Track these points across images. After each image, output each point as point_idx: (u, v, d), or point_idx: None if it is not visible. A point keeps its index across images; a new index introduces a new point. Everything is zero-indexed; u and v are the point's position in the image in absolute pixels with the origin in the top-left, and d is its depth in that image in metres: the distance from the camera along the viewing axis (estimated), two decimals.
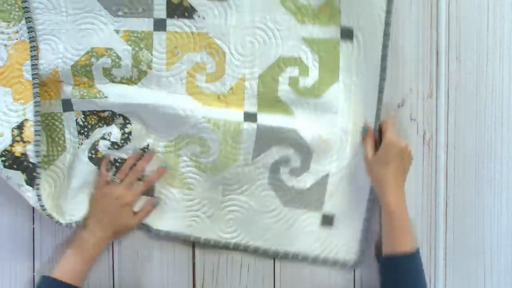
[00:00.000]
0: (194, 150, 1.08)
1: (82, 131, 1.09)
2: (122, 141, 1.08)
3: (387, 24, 1.03)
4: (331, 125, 1.08)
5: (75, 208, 1.08)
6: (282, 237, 1.10)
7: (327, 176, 1.09)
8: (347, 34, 1.06)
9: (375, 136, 1.06)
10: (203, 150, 1.08)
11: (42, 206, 1.03)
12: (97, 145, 1.07)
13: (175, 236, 1.11)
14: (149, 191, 1.10)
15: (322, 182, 1.09)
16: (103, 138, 1.07)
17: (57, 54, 1.04)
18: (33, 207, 1.12)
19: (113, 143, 1.07)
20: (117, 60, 1.05)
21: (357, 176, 1.08)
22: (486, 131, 1.11)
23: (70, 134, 1.09)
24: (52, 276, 1.03)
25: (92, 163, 1.08)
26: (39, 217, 1.13)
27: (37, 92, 1.03)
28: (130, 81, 1.07)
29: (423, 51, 1.11)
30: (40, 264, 1.13)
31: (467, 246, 1.12)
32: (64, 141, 1.09)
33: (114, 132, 1.07)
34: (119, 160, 1.09)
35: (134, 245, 1.13)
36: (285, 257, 1.11)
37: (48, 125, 1.08)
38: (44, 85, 1.06)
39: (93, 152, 1.08)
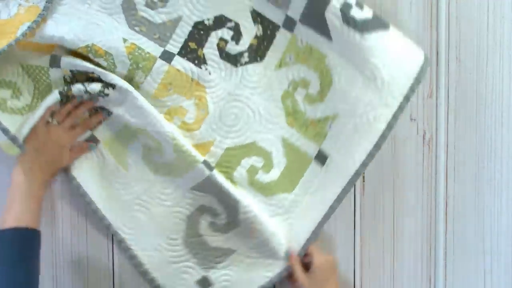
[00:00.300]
0: (149, 144, 1.07)
1: (69, 87, 1.04)
2: (96, 96, 1.04)
3: (364, 165, 1.03)
4: (267, 223, 1.06)
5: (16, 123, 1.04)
6: (162, 265, 1.09)
7: (233, 251, 1.09)
8: (321, 158, 1.06)
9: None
10: (157, 150, 1.07)
11: None
12: (73, 84, 1.04)
13: (81, 194, 1.08)
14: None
15: (226, 252, 1.09)
16: (82, 84, 1.03)
17: (58, 33, 1.01)
18: None
19: (86, 91, 1.03)
20: (112, 67, 1.03)
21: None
22: (486, 131, 1.11)
23: (56, 89, 1.05)
24: (9, 227, 0.96)
25: (60, 96, 1.03)
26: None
27: (11, 44, 0.98)
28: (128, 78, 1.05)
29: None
30: (40, 263, 1.13)
31: (467, 246, 1.12)
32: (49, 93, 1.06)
33: (95, 86, 1.03)
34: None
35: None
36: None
37: (36, 77, 1.06)
38: (36, 44, 1.03)
39: (66, 88, 1.03)
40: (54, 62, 1.05)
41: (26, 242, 0.97)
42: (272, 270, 1.08)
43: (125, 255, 1.09)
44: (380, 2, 1.08)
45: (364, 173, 1.10)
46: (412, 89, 1.01)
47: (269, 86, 1.07)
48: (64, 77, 1.06)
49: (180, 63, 1.05)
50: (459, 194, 1.12)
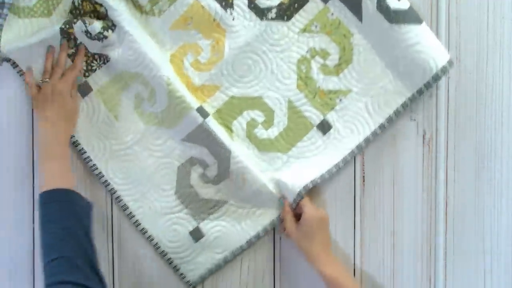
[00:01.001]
0: (141, 93, 1.09)
1: (73, 12, 1.08)
2: (95, 37, 1.07)
3: (366, 141, 1.09)
4: (256, 176, 1.08)
5: (21, 54, 1.06)
6: (153, 217, 1.11)
7: (225, 202, 1.10)
8: (324, 127, 1.10)
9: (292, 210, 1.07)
10: (149, 98, 1.09)
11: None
12: (75, 23, 1.06)
13: (72, 142, 1.10)
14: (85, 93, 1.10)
15: (217, 204, 1.10)
16: (83, 21, 1.06)
17: None
18: (33, 208, 1.12)
19: (86, 31, 1.06)
20: None
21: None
22: (486, 131, 1.11)
23: (63, 6, 1.08)
24: (46, 189, 1.01)
25: (60, 33, 1.06)
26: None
27: None
28: (140, 8, 1.08)
29: None
30: (40, 263, 1.13)
31: (467, 246, 1.12)
32: (54, 8, 1.08)
33: (96, 26, 1.06)
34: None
35: (134, 245, 1.13)
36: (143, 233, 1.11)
37: None
38: None
39: (67, 26, 1.06)
40: None
41: (54, 203, 1.00)
42: (264, 220, 1.11)
43: (118, 206, 1.11)
44: None
45: (364, 173, 1.11)
46: (426, 86, 1.06)
47: (288, 47, 1.10)
48: (73, 1, 1.07)
49: (206, 0, 1.07)
50: (459, 194, 1.12)
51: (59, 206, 1.00)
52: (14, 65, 1.07)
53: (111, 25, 1.06)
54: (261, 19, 1.09)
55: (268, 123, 1.10)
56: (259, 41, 1.09)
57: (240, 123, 1.10)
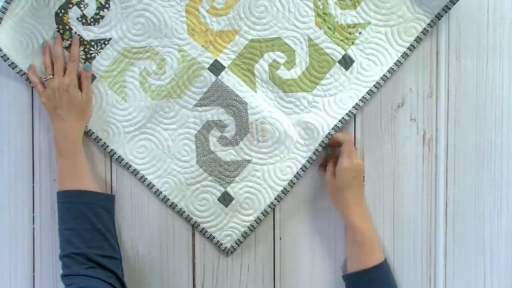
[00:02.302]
0: (148, 67, 1.09)
1: None
2: (91, 20, 1.08)
3: (389, 71, 1.09)
4: (279, 120, 1.09)
5: (6, 35, 1.06)
6: (179, 190, 1.11)
7: (248, 161, 1.10)
8: (346, 62, 1.10)
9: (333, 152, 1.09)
10: (157, 71, 1.09)
11: (2, 7, 1.03)
12: (70, 8, 1.07)
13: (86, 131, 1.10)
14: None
15: (241, 164, 1.10)
16: (78, 4, 1.07)
17: None
18: (33, 208, 1.12)
19: (82, 16, 1.07)
20: None
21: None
22: (486, 131, 1.11)
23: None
24: (64, 189, 1.04)
25: (55, 19, 1.08)
26: (39, 217, 1.13)
27: None
28: None
29: (423, 51, 1.11)
30: (40, 263, 1.13)
31: (467, 246, 1.12)
32: None
33: (91, 6, 1.07)
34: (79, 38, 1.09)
35: (134, 244, 1.13)
36: (173, 208, 1.11)
37: None
38: None
39: (63, 11, 1.08)
40: None
41: (66, 203, 1.04)
42: (289, 174, 1.11)
43: (144, 186, 1.11)
44: None
45: (364, 172, 1.11)
46: (445, 9, 1.06)
47: None
48: None
49: None
50: (459, 194, 1.12)
51: (68, 207, 1.03)
52: (13, 65, 1.07)
53: (106, 3, 1.06)
54: None
55: (290, 63, 1.10)
56: None
57: (262, 66, 1.10)
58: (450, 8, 1.07)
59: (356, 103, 1.09)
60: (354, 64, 1.10)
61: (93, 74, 1.10)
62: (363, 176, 1.10)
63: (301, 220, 1.13)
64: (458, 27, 1.10)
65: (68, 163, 1.05)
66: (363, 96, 1.10)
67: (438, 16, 1.08)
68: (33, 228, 1.13)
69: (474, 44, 1.10)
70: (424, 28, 1.08)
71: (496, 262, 1.13)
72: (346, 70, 1.10)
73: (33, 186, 1.13)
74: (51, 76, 1.07)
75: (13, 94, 1.11)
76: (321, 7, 1.09)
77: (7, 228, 1.13)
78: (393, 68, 1.09)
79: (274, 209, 1.12)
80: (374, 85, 1.10)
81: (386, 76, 1.09)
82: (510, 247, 1.12)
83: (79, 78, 1.08)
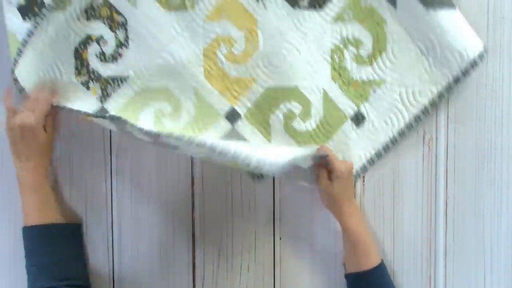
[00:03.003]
0: (163, 109, 1.07)
1: (88, 11, 1.06)
2: (109, 57, 1.07)
3: (400, 134, 1.09)
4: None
5: (24, 67, 1.04)
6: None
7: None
8: (358, 119, 1.08)
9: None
10: (172, 114, 1.07)
11: (23, 39, 1.01)
12: (89, 44, 1.07)
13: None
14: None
15: None
16: (97, 41, 1.07)
17: None
18: None
19: (101, 53, 1.06)
20: None
21: None
22: (486, 131, 1.10)
23: (79, 2, 1.06)
24: (28, 225, 1.03)
25: (73, 54, 1.07)
26: None
27: None
28: (166, 3, 1.06)
29: None
30: None
31: (467, 246, 1.12)
32: (69, 3, 1.05)
33: (110, 43, 1.06)
34: (94, 73, 1.07)
35: (134, 244, 1.13)
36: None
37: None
38: None
39: (82, 47, 1.07)
40: None
41: (32, 238, 1.04)
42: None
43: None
44: None
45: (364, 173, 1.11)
46: (464, 73, 1.05)
47: (320, 37, 1.08)
48: (92, 1, 1.05)
49: None
50: (459, 194, 1.12)
51: (32, 242, 1.03)
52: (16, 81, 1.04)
53: (126, 42, 1.05)
54: (293, 7, 1.06)
55: (306, 115, 1.08)
56: (293, 30, 1.07)
57: (277, 116, 1.08)
58: (469, 73, 1.05)
59: (364, 165, 1.09)
60: (365, 122, 1.09)
61: (106, 110, 1.07)
62: (363, 177, 1.11)
63: (301, 220, 1.13)
64: None
65: (31, 198, 1.04)
66: (370, 158, 1.09)
67: (456, 80, 1.06)
68: None
69: None
70: (440, 91, 1.07)
71: (496, 262, 1.13)
72: (357, 127, 1.09)
73: None
74: (24, 109, 1.04)
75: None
76: (337, 60, 1.08)
77: (7, 228, 1.13)
78: (403, 131, 1.08)
79: (274, 209, 1.12)
80: (383, 147, 1.09)
81: (396, 139, 1.09)
82: (510, 247, 1.12)
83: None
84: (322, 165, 1.04)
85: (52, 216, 1.05)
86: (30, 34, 1.02)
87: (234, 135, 1.07)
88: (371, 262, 1.03)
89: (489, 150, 1.11)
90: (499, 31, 1.10)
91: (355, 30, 1.07)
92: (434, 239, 1.12)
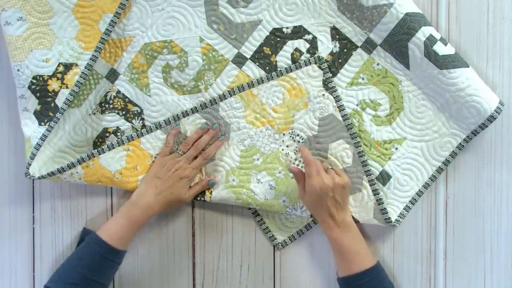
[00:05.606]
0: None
1: (102, 104, 1.09)
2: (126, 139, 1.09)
3: (425, 187, 1.11)
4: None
5: (43, 164, 1.06)
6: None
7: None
8: (383, 178, 1.10)
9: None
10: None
11: (37, 145, 1.03)
12: (107, 137, 1.09)
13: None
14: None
15: None
16: (115, 133, 1.09)
17: (141, 25, 1.07)
18: (33, 208, 1.12)
19: (119, 141, 1.08)
20: (184, 65, 1.08)
21: None
22: (486, 131, 1.10)
23: (93, 97, 1.08)
24: (98, 235, 1.02)
25: (93, 147, 1.09)
26: (39, 218, 1.13)
27: (99, 48, 1.04)
28: (180, 89, 1.08)
29: None
30: (40, 263, 1.13)
31: (467, 246, 1.12)
32: (84, 99, 1.08)
33: (128, 133, 1.09)
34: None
35: (134, 244, 1.13)
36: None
37: (85, 82, 1.08)
38: (107, 44, 1.07)
39: (100, 140, 1.09)
40: (112, 76, 1.08)
41: (99, 253, 1.02)
42: None
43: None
44: None
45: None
46: (482, 127, 1.07)
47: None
48: (106, 94, 1.09)
49: (250, 68, 1.08)
50: (459, 194, 1.12)
51: (94, 257, 1.02)
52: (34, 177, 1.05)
53: (142, 132, 1.08)
54: None
55: None
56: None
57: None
58: (487, 126, 1.06)
59: (396, 219, 1.09)
60: (391, 180, 1.10)
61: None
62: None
63: None
64: (458, 27, 1.10)
65: (126, 225, 1.04)
66: (400, 213, 1.10)
67: (474, 132, 1.07)
68: (33, 228, 1.13)
69: (474, 44, 1.10)
70: (460, 143, 1.08)
71: (496, 262, 1.12)
72: (384, 186, 1.10)
73: (33, 186, 1.13)
74: (181, 154, 1.07)
75: (13, 95, 1.10)
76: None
77: (7, 228, 1.13)
78: (428, 183, 1.10)
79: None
80: (410, 201, 1.10)
81: (421, 191, 1.10)
82: (510, 247, 1.12)
83: None
84: (300, 178, 1.04)
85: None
86: (44, 138, 1.04)
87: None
88: (360, 267, 1.02)
89: (489, 150, 1.11)
90: (499, 31, 1.10)
91: (371, 92, 1.09)
92: (434, 239, 1.12)
